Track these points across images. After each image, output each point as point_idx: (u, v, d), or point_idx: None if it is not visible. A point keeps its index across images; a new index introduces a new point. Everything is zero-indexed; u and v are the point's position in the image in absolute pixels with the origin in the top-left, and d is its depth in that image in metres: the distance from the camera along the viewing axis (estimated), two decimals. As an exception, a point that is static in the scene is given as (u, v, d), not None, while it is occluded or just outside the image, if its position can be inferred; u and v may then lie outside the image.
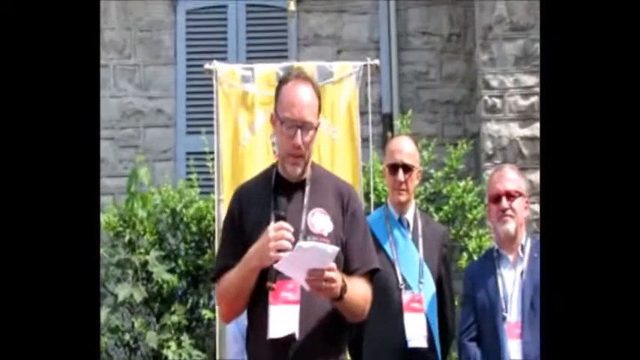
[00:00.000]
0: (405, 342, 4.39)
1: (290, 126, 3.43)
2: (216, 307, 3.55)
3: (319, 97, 3.54)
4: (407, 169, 4.63)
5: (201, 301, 6.73)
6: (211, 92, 6.07)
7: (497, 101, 7.39)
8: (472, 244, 6.55)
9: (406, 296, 4.47)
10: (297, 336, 3.33)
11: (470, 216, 6.77)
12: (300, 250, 3.21)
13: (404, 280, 4.51)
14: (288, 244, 3.29)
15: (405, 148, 4.70)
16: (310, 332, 3.37)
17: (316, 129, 3.51)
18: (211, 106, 6.10)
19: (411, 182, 4.67)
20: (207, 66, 6.08)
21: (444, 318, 4.62)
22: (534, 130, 7.21)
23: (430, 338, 4.47)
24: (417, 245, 4.62)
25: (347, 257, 3.49)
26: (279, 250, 3.27)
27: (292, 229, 3.33)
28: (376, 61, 6.23)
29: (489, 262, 4.50)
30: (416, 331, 4.42)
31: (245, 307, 3.50)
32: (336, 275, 3.27)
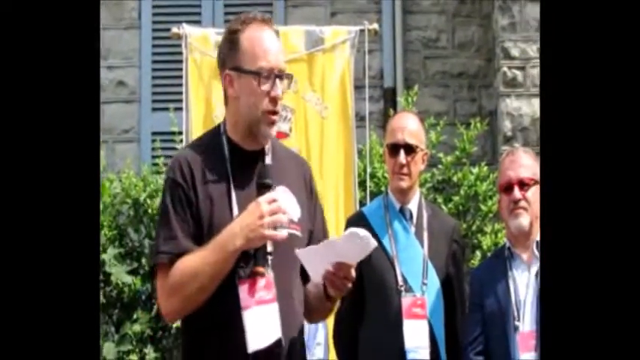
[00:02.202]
0: (404, 353, 4.45)
1: (267, 76, 3.37)
2: (159, 303, 3.38)
3: None
4: (410, 149, 4.66)
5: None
6: (181, 62, 6.13)
7: (519, 73, 7.43)
8: (487, 241, 6.59)
9: (406, 300, 4.53)
10: (283, 342, 3.26)
11: (484, 208, 6.81)
12: (351, 237, 3.18)
13: (404, 280, 4.58)
14: (285, 218, 3.27)
15: (408, 125, 4.74)
16: (292, 336, 3.33)
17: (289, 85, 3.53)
18: (181, 77, 6.16)
19: (415, 166, 4.70)
20: (175, 30, 6.12)
21: (454, 328, 4.65)
22: (561, 107, 7.27)
23: (435, 350, 4.52)
24: (421, 240, 4.67)
25: None
26: (274, 228, 3.23)
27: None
28: (375, 26, 6.28)
29: (500, 263, 4.51)
30: (417, 341, 4.47)
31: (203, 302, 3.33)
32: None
